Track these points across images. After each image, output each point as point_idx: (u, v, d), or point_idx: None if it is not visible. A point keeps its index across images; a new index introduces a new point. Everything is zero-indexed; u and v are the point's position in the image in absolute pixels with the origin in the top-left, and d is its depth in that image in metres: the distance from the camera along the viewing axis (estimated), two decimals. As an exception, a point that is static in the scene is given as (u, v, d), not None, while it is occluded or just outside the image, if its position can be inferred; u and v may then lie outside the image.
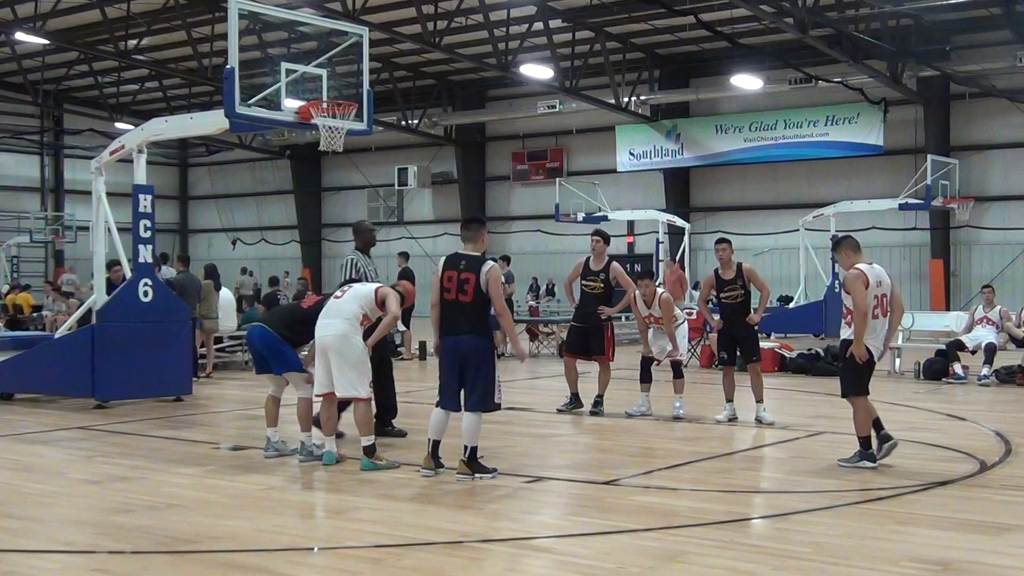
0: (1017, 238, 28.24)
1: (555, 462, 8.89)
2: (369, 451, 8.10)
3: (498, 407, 7.79)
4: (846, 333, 8.18)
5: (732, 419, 10.76)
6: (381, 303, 8.20)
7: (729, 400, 10.87)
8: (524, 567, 5.62)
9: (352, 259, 10.03)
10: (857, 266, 8.20)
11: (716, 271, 11.04)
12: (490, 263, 7.83)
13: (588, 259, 11.67)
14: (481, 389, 7.67)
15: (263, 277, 29.32)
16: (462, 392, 7.81)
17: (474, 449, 7.76)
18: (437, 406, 7.91)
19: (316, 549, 5.99)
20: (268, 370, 8.66)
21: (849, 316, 8.12)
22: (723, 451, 9.25)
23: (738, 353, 10.95)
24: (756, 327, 10.97)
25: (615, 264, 11.59)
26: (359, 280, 9.37)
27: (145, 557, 5.73)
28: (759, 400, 10.67)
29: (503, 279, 19.51)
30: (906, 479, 7.72)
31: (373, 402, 8.69)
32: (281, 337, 8.49)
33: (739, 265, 10.91)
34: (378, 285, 8.38)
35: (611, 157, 33.16)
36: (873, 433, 8.20)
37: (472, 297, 7.70)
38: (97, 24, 27.31)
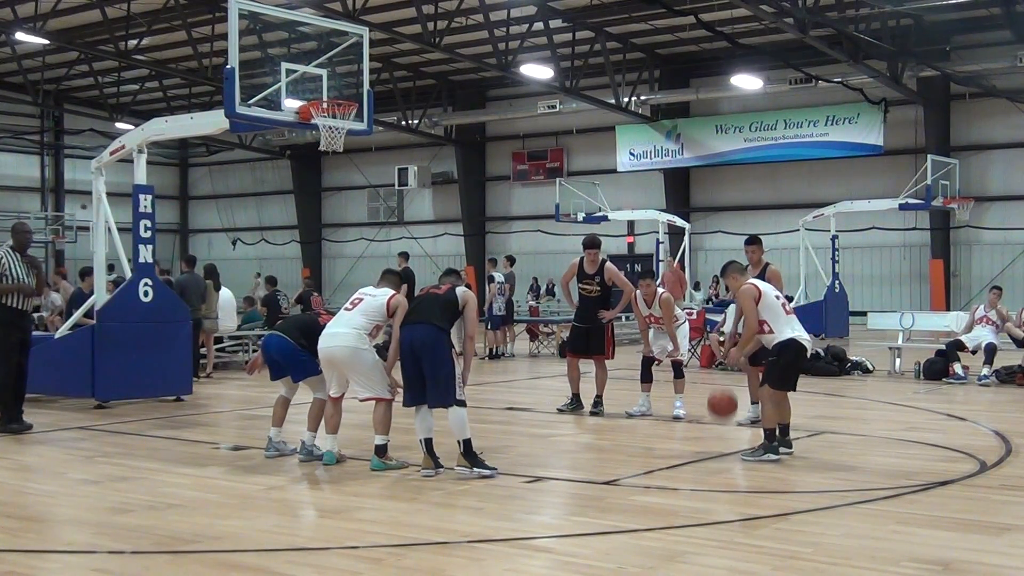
0: (1017, 238, 28.25)
1: (555, 462, 8.89)
2: (380, 451, 8.11)
3: (462, 403, 7.78)
4: (774, 339, 8.60)
5: (756, 421, 10.57)
6: (392, 312, 8.22)
7: (754, 402, 10.74)
8: (524, 567, 5.61)
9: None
10: (748, 282, 8.79)
11: (746, 268, 10.49)
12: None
13: (582, 260, 11.65)
14: (434, 383, 7.75)
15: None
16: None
17: (466, 442, 7.78)
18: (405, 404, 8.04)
19: (317, 549, 5.99)
20: (284, 375, 8.68)
21: (765, 325, 8.60)
22: (723, 451, 9.24)
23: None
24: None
25: (609, 265, 11.53)
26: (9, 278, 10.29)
27: (145, 557, 5.73)
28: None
29: (503, 279, 19.58)
30: (906, 479, 7.72)
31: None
32: (300, 346, 8.51)
33: (766, 266, 10.46)
34: (390, 295, 8.37)
35: (611, 157, 33.15)
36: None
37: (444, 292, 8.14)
38: (97, 24, 27.31)
